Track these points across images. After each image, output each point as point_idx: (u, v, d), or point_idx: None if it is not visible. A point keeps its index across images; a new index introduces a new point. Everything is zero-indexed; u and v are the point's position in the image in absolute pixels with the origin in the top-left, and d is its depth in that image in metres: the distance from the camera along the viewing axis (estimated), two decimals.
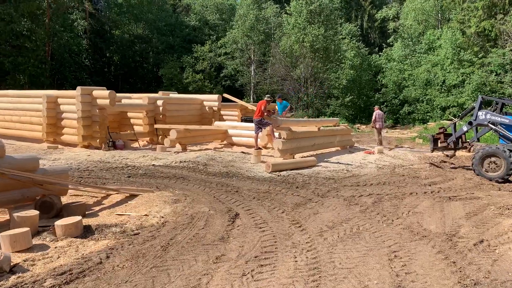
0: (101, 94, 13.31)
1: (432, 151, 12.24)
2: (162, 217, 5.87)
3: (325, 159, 12.81)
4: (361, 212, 6.60)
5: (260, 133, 12.31)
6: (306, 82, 36.03)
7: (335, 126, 16.45)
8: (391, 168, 11.63)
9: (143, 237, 5.07)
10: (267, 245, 4.91)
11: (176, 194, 7.40)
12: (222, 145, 15.32)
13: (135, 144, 14.90)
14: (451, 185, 9.24)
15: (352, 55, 36.39)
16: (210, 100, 17.46)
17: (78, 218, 5.21)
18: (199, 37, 42.87)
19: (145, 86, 40.55)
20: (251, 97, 38.89)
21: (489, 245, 5.03)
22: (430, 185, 9.13)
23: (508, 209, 6.84)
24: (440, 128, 12.23)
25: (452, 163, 12.86)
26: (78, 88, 13.38)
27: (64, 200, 6.60)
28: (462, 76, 29.87)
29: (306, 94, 35.30)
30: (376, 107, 18.36)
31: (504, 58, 26.73)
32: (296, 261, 4.47)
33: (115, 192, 7.12)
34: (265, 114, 12.18)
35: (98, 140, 13.48)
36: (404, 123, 36.40)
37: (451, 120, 30.48)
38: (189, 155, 12.79)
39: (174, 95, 18.58)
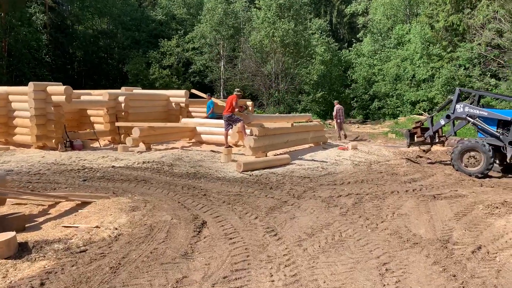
0: (56, 90, 12.24)
1: (409, 146, 11.81)
2: (116, 229, 5.06)
3: (299, 156, 12.19)
4: (341, 215, 5.97)
5: (230, 130, 11.56)
6: (277, 78, 35.47)
7: (307, 122, 15.88)
8: (367, 165, 11.12)
9: (90, 255, 4.25)
10: (238, 261, 4.19)
11: (135, 200, 6.57)
12: (191, 144, 14.48)
13: (96, 144, 13.87)
14: (432, 182, 8.76)
15: (322, 50, 36.06)
16: (177, 96, 16.55)
17: (11, 234, 4.34)
18: (166, 32, 41.58)
19: (110, 83, 38.97)
20: (221, 93, 38.00)
21: (488, 252, 4.48)
22: (410, 183, 8.63)
23: (497, 207, 6.36)
24: (416, 123, 11.81)
25: (428, 158, 12.49)
26: (30, 83, 12.25)
27: (3, 210, 5.69)
28: (431, 71, 29.95)
29: (277, 90, 34.74)
30: (336, 101, 18.98)
31: (472, 52, 26.88)
32: (272, 281, 3.77)
33: (64, 200, 6.23)
34: (236, 109, 11.44)
35: (53, 140, 12.39)
36: (374, 118, 36.40)
37: (421, 114, 30.64)
38: (154, 155, 11.91)
39: (138, 91, 17.56)
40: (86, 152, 12.32)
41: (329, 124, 28.49)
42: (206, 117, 14.94)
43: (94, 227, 5.06)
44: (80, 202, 6.24)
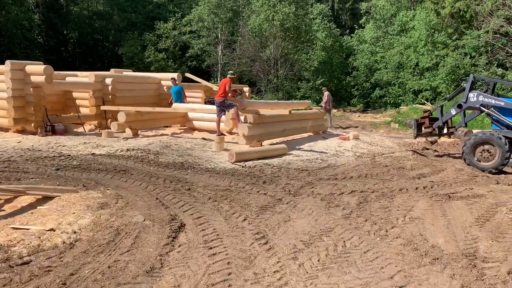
0: (36, 70, 11.29)
1: (416, 137, 10.94)
2: (75, 233, 4.21)
3: (297, 147, 11.32)
4: (344, 218, 5.13)
5: (223, 116, 10.67)
6: (276, 63, 34.40)
7: (306, 109, 14.98)
8: (370, 157, 10.26)
9: (32, 269, 3.41)
10: (216, 281, 3.34)
11: (107, 194, 5.71)
12: (182, 130, 13.59)
13: (81, 129, 12.98)
14: (443, 177, 7.92)
15: (324, 35, 34.94)
16: (169, 79, 15.58)
17: None
18: (163, 14, 40.29)
19: (106, 65, 37.86)
20: (219, 78, 36.95)
21: None
22: (419, 178, 7.78)
23: None
24: (424, 112, 10.92)
25: (435, 151, 11.65)
26: (7, 62, 11.29)
27: None
28: (435, 59, 28.94)
29: (276, 76, 33.71)
30: (325, 88, 19.45)
31: (479, 40, 25.87)
32: None
33: (22, 194, 5.37)
34: (229, 94, 10.54)
35: (33, 124, 11.50)
36: (375, 107, 35.46)
37: (423, 104, 29.74)
38: (140, 141, 11.03)
39: (128, 73, 16.58)
40: (67, 137, 11.43)
41: None
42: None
43: (48, 230, 4.21)
44: (41, 196, 5.38)
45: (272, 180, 7.22)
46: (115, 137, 11.57)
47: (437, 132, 10.78)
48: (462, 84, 10.73)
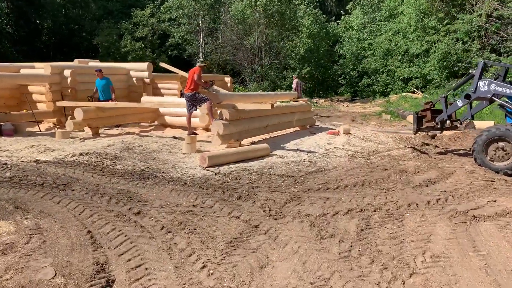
0: None
1: (415, 132, 9.59)
2: None
3: (282, 145, 9.92)
4: (343, 258, 3.74)
5: (195, 111, 9.18)
6: (260, 52, 32.84)
7: (292, 101, 13.56)
8: (365, 157, 8.91)
9: None
10: None
11: (22, 227, 4.24)
12: (152, 127, 12.11)
13: (36, 128, 11.40)
14: (455, 184, 6.59)
15: (309, 22, 33.40)
16: (138, 69, 14.02)
17: None
18: (141, 2, 38.32)
19: (82, 56, 35.88)
20: None
21: None
22: (427, 186, 6.44)
23: None
24: (426, 104, 9.56)
25: (436, 146, 10.36)
26: None
27: None
28: (426, 45, 27.67)
29: (260, 65, 32.17)
30: (295, 75, 19.67)
31: (471, 25, 24.61)
32: None
33: None
34: (200, 86, 9.06)
35: None
36: (363, 96, 34.24)
37: (413, 92, 28.54)
38: (99, 143, 9.52)
39: (94, 63, 14.94)
40: (15, 138, 9.88)
41: (316, 102, 26.25)
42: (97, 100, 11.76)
43: None
44: None
45: (249, 195, 5.80)
46: (71, 137, 10.04)
47: (440, 126, 9.46)
48: (470, 71, 9.41)
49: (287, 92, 17.20)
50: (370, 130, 13.25)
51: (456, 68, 25.33)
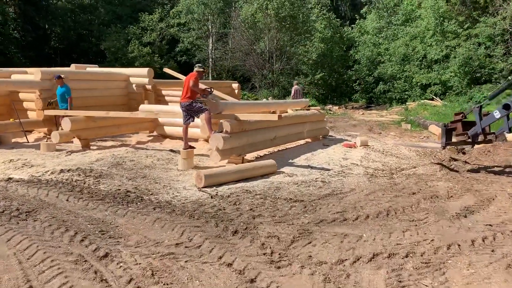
0: None
1: (444, 147, 8.41)
2: None
3: (290, 160, 8.83)
4: None
5: (191, 122, 8.13)
6: (271, 57, 31.84)
7: (304, 109, 12.46)
8: (387, 175, 7.77)
9: None
10: None
11: None
12: (151, 138, 11.12)
13: (24, 139, 10.49)
14: (499, 214, 5.42)
15: (323, 26, 32.29)
16: (138, 75, 13.09)
17: None
18: (151, 6, 37.66)
19: (91, 62, 35.29)
20: (210, 74, 34.39)
21: None
22: (466, 216, 5.28)
23: None
24: (456, 115, 8.37)
25: (466, 162, 9.16)
26: None
27: None
28: (445, 50, 26.36)
29: (271, 71, 31.15)
30: (295, 82, 19.07)
31: (495, 28, 23.29)
32: None
33: None
34: (198, 94, 8.04)
35: None
36: (379, 102, 32.95)
37: (432, 99, 27.20)
38: (87, 157, 8.54)
39: (92, 69, 14.06)
40: None
41: (329, 110, 25.09)
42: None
43: None
44: None
45: (247, 228, 4.72)
46: (58, 150, 9.07)
47: (472, 140, 8.28)
48: (510, 78, 8.18)
49: (298, 100, 16.09)
50: (389, 142, 12.09)
51: (478, 75, 23.99)
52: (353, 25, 37.40)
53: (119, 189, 6.34)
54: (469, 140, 8.18)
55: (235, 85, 18.11)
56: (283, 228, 4.78)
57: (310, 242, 4.33)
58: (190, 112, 7.88)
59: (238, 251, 4.07)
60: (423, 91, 28.77)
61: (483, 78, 23.96)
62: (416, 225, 4.93)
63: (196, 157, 8.74)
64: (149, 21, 33.87)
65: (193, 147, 8.05)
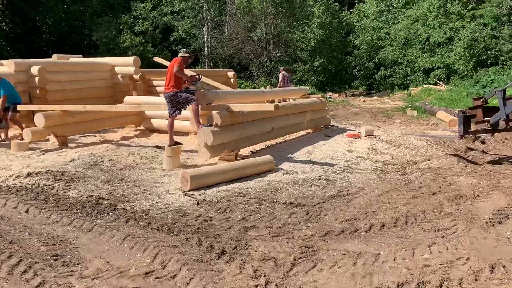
0: None
1: (462, 136, 7.49)
2: None
3: (290, 155, 7.93)
4: None
5: (178, 114, 7.20)
6: (268, 44, 30.76)
7: (303, 98, 11.52)
8: (399, 170, 6.87)
9: None
10: None
11: None
12: (137, 132, 10.21)
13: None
14: None
15: (321, 11, 31.13)
16: (124, 64, 12.12)
17: None
18: None
19: (83, 53, 34.19)
20: (206, 63, 33.31)
21: None
22: (501, 223, 4.39)
23: None
24: (475, 100, 7.43)
25: (483, 152, 8.26)
26: None
27: None
28: (449, 32, 25.29)
29: (268, 59, 30.10)
30: (282, 68, 18.62)
31: (501, 8, 22.20)
32: None
33: None
34: (184, 82, 7.10)
35: None
36: (380, 89, 31.92)
37: (435, 84, 26.19)
38: (62, 156, 7.64)
39: (75, 59, 13.08)
40: None
41: (329, 97, 24.10)
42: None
43: None
44: None
45: (237, 246, 3.83)
46: (32, 149, 8.15)
47: (492, 128, 7.37)
48: None
49: (297, 87, 15.15)
50: (396, 130, 11.18)
51: (484, 57, 22.95)
52: (352, 10, 36.20)
53: (91, 196, 5.46)
54: (489, 128, 7.29)
55: (230, 74, 17.14)
56: (281, 244, 3.89)
57: (315, 266, 3.44)
58: (176, 104, 6.94)
59: (224, 282, 3.19)
60: (426, 76, 27.77)
61: (489, 60, 22.95)
62: (443, 236, 4.05)
63: (185, 153, 7.86)
64: (141, 10, 32.68)
65: (180, 143, 7.13)
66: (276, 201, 5.25)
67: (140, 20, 32.78)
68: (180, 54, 7.00)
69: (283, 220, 4.58)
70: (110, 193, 5.62)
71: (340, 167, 6.99)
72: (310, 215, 4.75)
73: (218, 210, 4.95)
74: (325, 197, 5.44)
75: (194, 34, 33.95)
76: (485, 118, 7.11)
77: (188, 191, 5.70)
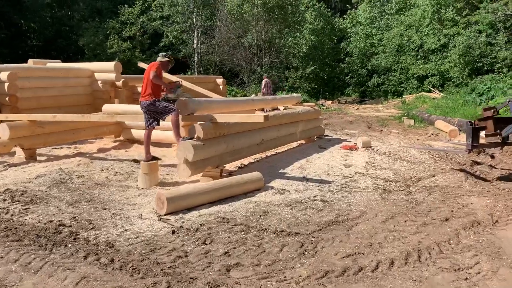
0: None
1: (471, 150, 6.80)
2: None
3: (281, 170, 7.20)
4: None
5: (155, 126, 6.45)
6: (259, 50, 30.16)
7: (296, 106, 10.83)
8: (403, 188, 6.16)
9: None
10: None
11: None
12: (117, 143, 9.43)
13: None
14: None
15: (313, 17, 30.61)
16: (104, 70, 11.35)
17: None
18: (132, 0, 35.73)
19: (68, 59, 33.32)
20: (196, 69, 32.60)
21: None
22: None
23: None
24: (485, 110, 6.76)
25: (491, 166, 7.61)
26: None
27: None
28: (443, 39, 24.85)
29: (259, 65, 29.46)
30: (265, 75, 19.33)
31: (496, 14, 21.75)
32: None
33: None
34: (163, 90, 6.37)
35: None
36: (373, 96, 31.45)
37: (430, 91, 25.67)
38: (27, 172, 6.84)
39: (53, 64, 12.27)
40: None
41: (322, 104, 23.48)
42: None
43: None
44: None
45: None
46: None
47: (502, 141, 6.71)
48: None
49: (289, 95, 14.49)
50: (395, 142, 10.51)
51: (479, 64, 22.49)
52: (344, 16, 35.77)
53: (51, 221, 4.69)
54: (501, 141, 6.62)
55: (219, 80, 16.45)
56: None
57: None
58: (153, 114, 6.19)
59: None
60: (420, 83, 27.34)
61: (485, 68, 22.49)
62: (466, 279, 3.34)
63: (165, 168, 7.11)
64: (129, 14, 31.92)
65: (158, 159, 6.38)
66: (265, 229, 4.51)
67: (128, 25, 32.00)
68: (158, 59, 6.27)
69: (273, 255, 3.84)
70: (74, 217, 4.85)
71: (337, 185, 6.28)
72: (305, 248, 4.02)
73: (197, 240, 4.20)
74: (321, 223, 4.71)
75: (184, 39, 33.29)
76: (496, 131, 6.44)
77: (164, 215, 4.95)
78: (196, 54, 32.83)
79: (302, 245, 4.09)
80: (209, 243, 4.14)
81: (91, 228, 4.55)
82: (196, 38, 32.55)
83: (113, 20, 31.91)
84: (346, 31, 34.11)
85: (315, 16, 30.42)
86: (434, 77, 25.70)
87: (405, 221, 4.70)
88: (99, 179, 6.47)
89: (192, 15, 32.70)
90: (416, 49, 27.49)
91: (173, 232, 4.45)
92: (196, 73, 31.64)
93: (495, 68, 21.87)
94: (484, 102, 16.84)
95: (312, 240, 4.21)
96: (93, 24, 31.18)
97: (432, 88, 25.55)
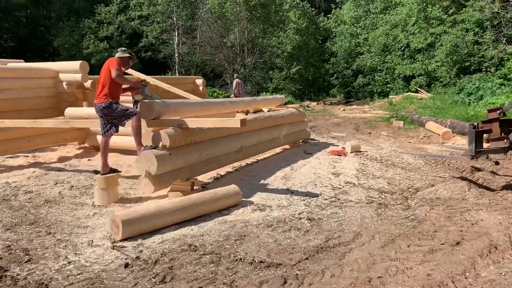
0: None
1: (473, 156, 6.06)
2: None
3: (261, 181, 6.37)
4: None
5: (113, 132, 5.56)
6: (242, 50, 29.30)
7: (279, 108, 10.03)
8: (400, 201, 5.39)
9: None
10: None
11: None
12: (80, 151, 8.50)
13: None
14: None
15: (297, 16, 29.92)
16: (69, 70, 10.36)
17: None
18: None
19: (44, 60, 32.01)
20: (177, 70, 31.58)
21: None
22: None
23: None
24: (490, 112, 6.02)
25: (493, 172, 6.92)
26: None
27: None
28: (430, 38, 24.37)
29: (242, 66, 28.62)
30: (236, 75, 18.62)
31: (483, 13, 21.30)
32: None
33: None
34: (128, 89, 5.50)
35: None
36: (358, 97, 30.92)
37: (416, 91, 25.19)
38: None
39: (14, 64, 11.25)
40: None
41: (307, 106, 22.77)
42: None
43: None
44: None
45: None
46: None
47: (508, 146, 6.00)
48: None
49: (272, 96, 13.68)
50: (386, 146, 9.78)
51: (467, 63, 22.01)
52: (329, 15, 35.18)
53: None
54: (508, 146, 5.90)
55: (199, 81, 15.56)
56: None
57: None
58: (110, 118, 5.31)
59: None
60: (406, 83, 26.84)
61: (473, 67, 22.03)
62: None
63: (128, 181, 6.23)
64: (106, 14, 30.76)
65: (118, 171, 5.50)
66: (241, 259, 3.69)
67: (105, 25, 30.83)
68: (117, 54, 5.39)
69: None
70: (8, 247, 3.97)
71: (326, 199, 5.48)
72: (288, 285, 3.21)
73: (154, 277, 3.36)
74: (308, 249, 3.90)
75: (164, 40, 32.25)
76: (502, 134, 5.73)
77: (120, 240, 4.09)
78: (177, 55, 31.81)
79: (285, 282, 3.28)
80: (169, 281, 3.31)
81: (26, 261, 3.68)
82: (176, 38, 31.54)
83: (89, 19, 30.69)
84: (330, 30, 33.56)
85: (299, 15, 29.75)
86: (421, 77, 25.21)
87: (408, 246, 3.91)
88: (50, 195, 5.56)
89: (172, 14, 31.65)
90: (402, 48, 27.01)
91: (127, 265, 3.60)
92: (177, 74, 30.64)
93: (483, 67, 21.42)
94: (473, 102, 16.31)
95: (297, 274, 3.40)
96: (68, 24, 29.94)
97: (418, 88, 25.05)
